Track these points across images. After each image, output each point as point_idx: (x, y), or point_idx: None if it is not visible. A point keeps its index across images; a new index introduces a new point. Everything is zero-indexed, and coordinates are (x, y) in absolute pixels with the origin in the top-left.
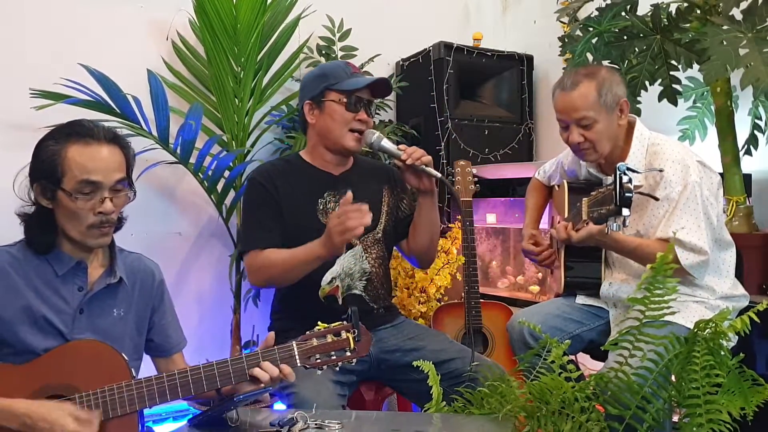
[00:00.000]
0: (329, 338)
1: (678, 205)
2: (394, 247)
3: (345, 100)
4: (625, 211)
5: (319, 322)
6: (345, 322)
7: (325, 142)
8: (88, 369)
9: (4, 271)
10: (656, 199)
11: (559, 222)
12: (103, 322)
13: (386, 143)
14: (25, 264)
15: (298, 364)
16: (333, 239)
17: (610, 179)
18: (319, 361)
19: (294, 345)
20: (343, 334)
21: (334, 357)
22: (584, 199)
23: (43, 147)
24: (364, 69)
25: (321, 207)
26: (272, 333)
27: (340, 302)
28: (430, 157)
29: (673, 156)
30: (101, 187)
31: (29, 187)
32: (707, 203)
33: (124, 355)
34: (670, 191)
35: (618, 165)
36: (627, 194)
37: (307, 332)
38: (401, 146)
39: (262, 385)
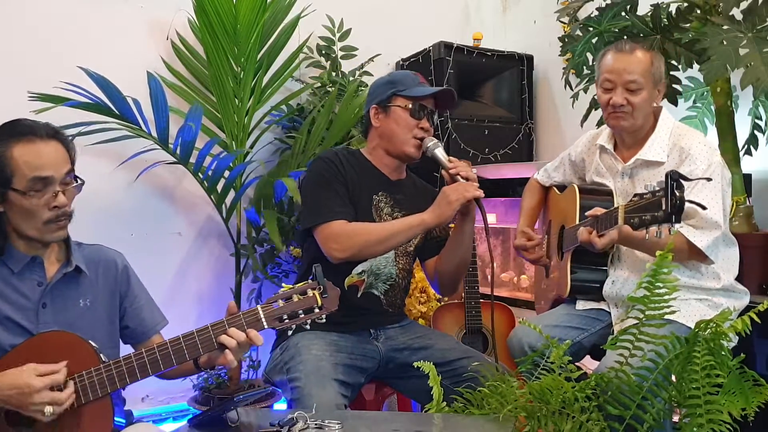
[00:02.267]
0: (295, 298)
1: (699, 181)
2: (421, 268)
3: (410, 106)
4: (675, 219)
5: (283, 284)
6: (311, 281)
7: (386, 145)
8: (56, 360)
9: None
10: (704, 208)
11: (563, 228)
12: (69, 314)
13: (439, 152)
14: None
15: (266, 327)
16: (451, 204)
17: (653, 185)
18: (287, 321)
19: (259, 308)
20: (309, 292)
21: (303, 316)
22: (621, 204)
23: None
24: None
25: (375, 202)
26: (233, 302)
27: (358, 295)
28: (474, 175)
29: (700, 138)
30: (53, 181)
31: None
32: (725, 188)
33: (92, 342)
34: (694, 168)
35: (669, 173)
36: (678, 202)
37: (274, 294)
38: (452, 158)
39: (230, 357)
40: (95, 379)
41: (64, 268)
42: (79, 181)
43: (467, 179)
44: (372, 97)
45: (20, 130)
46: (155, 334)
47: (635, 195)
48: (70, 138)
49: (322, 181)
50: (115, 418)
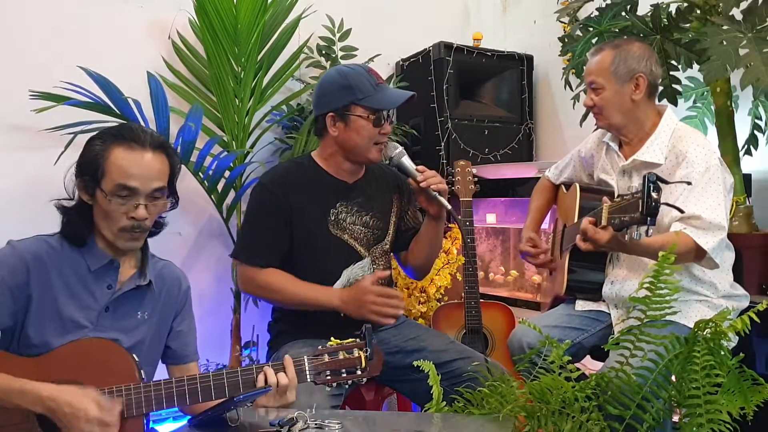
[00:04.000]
0: (341, 355)
1: (698, 185)
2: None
3: (372, 117)
4: (650, 221)
5: (332, 338)
6: (358, 340)
7: (346, 153)
8: (98, 368)
9: (41, 261)
10: (682, 211)
11: (565, 227)
12: (127, 323)
13: (406, 160)
14: (61, 255)
15: (309, 380)
16: (360, 309)
17: (635, 186)
18: (329, 378)
19: (305, 360)
20: (356, 352)
21: (345, 375)
22: (605, 204)
23: (90, 145)
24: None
25: (333, 218)
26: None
27: (342, 314)
28: (445, 186)
29: (699, 141)
30: (138, 193)
31: (74, 181)
32: (725, 194)
33: (135, 356)
34: (691, 171)
35: (647, 175)
36: (654, 204)
37: (320, 347)
38: (419, 167)
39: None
40: (133, 396)
41: (137, 279)
42: (171, 201)
43: (439, 192)
44: (326, 101)
45: (125, 133)
46: (192, 362)
47: (618, 196)
48: (175, 154)
49: (254, 215)
50: None
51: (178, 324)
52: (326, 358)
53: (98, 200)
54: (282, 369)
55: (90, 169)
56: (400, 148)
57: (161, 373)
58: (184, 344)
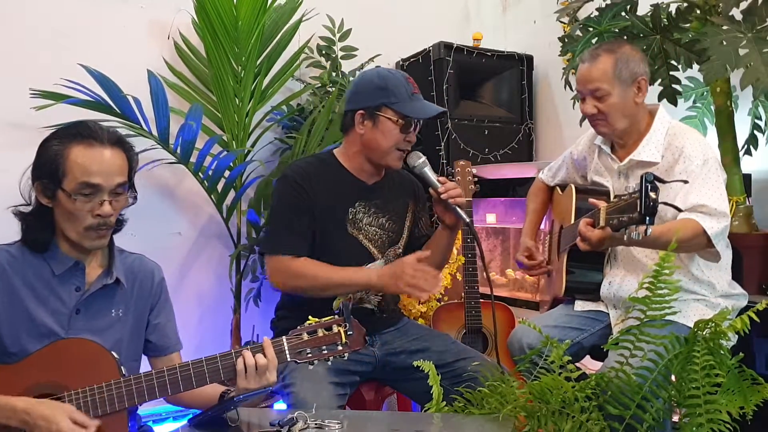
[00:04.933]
0: (320, 332)
1: (698, 177)
2: None
3: (402, 122)
4: (649, 221)
5: (310, 317)
6: (336, 316)
7: (368, 153)
8: (78, 367)
9: (2, 271)
10: (680, 210)
11: (561, 228)
12: (101, 323)
13: (428, 171)
14: (23, 263)
15: (288, 359)
16: (397, 283)
17: (631, 186)
18: (310, 355)
19: (284, 339)
20: (335, 328)
21: (326, 351)
22: (602, 205)
23: (46, 146)
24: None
25: (350, 216)
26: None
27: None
28: (464, 199)
29: (694, 136)
30: (101, 189)
31: (30, 186)
32: (723, 183)
33: (114, 353)
34: (689, 164)
35: (644, 174)
36: (652, 204)
37: (298, 326)
38: (441, 178)
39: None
40: (114, 392)
41: (104, 278)
42: (132, 196)
43: (459, 206)
44: (359, 98)
45: (82, 131)
46: (174, 352)
47: (615, 196)
48: (134, 151)
49: (281, 207)
50: None
51: (154, 317)
52: (305, 336)
53: (60, 201)
54: (261, 350)
55: (49, 170)
56: (423, 158)
57: (146, 365)
58: (164, 336)
